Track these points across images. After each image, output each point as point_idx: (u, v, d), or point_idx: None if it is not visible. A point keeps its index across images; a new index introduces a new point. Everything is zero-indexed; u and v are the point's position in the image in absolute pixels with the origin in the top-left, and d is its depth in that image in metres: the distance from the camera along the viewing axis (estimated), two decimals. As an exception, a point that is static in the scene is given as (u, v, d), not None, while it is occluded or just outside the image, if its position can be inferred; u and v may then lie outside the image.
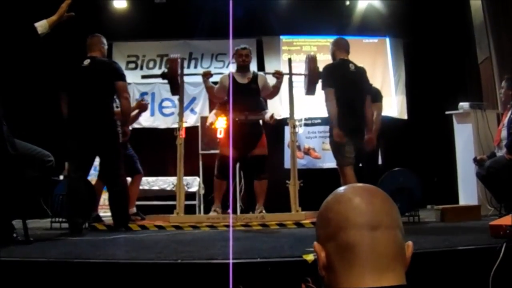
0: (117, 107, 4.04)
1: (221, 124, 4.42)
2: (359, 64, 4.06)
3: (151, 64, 6.57)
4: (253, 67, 6.03)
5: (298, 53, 6.53)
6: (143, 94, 6.32)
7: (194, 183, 5.75)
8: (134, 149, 4.53)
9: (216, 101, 4.84)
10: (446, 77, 6.18)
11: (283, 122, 5.62)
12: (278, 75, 4.55)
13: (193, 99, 6.39)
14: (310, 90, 4.46)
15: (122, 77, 3.90)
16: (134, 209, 4.43)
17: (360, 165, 4.10)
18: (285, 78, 4.68)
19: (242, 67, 4.44)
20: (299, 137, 5.18)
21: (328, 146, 4.44)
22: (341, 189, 0.86)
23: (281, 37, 6.62)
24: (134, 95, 6.06)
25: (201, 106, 6.34)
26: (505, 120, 4.28)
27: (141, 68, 6.46)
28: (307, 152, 6.27)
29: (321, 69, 4.16)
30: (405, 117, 6.54)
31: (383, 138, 4.81)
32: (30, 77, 5.45)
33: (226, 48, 5.90)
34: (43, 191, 4.33)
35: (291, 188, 4.33)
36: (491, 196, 4.33)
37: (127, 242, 3.05)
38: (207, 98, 6.14)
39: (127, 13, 6.30)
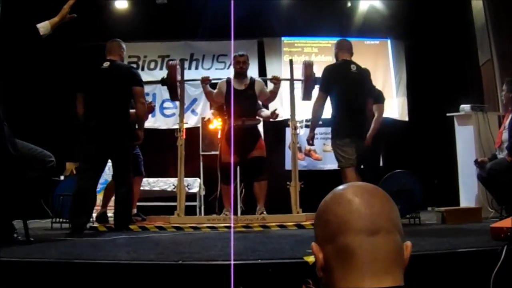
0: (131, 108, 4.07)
1: (216, 124, 4.69)
2: (362, 66, 4.06)
3: (152, 65, 6.57)
4: (254, 68, 6.05)
5: (299, 54, 6.53)
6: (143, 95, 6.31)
7: (194, 184, 5.75)
8: (135, 149, 4.53)
9: (215, 105, 4.90)
10: (447, 79, 6.17)
11: (284, 124, 5.62)
12: (276, 80, 4.57)
13: (194, 100, 6.38)
14: (306, 95, 4.49)
15: (140, 83, 3.95)
16: (134, 210, 4.42)
17: (362, 166, 4.10)
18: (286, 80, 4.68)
19: (240, 74, 4.48)
20: (300, 138, 5.17)
21: (329, 147, 4.44)
22: (340, 188, 0.84)
23: (283, 38, 6.60)
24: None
25: (202, 107, 6.32)
26: (506, 123, 4.28)
27: (142, 69, 6.44)
28: (308, 153, 6.27)
29: (318, 74, 4.17)
30: (406, 119, 6.52)
31: (384, 140, 4.80)
32: (32, 78, 5.45)
33: (228, 49, 5.90)
34: (44, 192, 4.33)
35: (292, 190, 4.34)
36: (492, 198, 4.33)
37: (127, 242, 3.05)
38: (208, 99, 6.16)
39: (129, 14, 6.30)
